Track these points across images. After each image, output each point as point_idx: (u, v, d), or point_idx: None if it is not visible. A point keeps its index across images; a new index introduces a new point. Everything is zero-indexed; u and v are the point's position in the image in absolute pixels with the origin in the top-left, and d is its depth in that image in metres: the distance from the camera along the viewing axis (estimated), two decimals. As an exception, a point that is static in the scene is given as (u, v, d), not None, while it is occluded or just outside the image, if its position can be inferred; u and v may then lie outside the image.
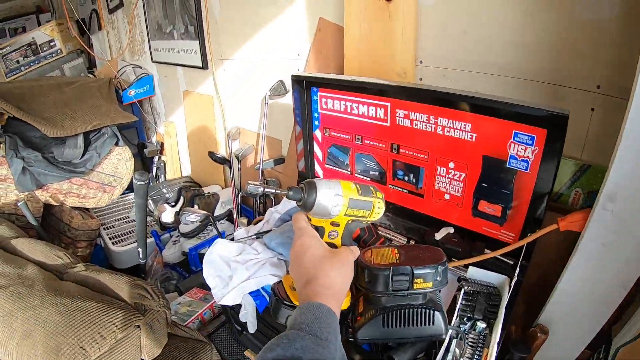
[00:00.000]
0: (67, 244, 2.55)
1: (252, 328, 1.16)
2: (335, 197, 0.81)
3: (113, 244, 2.69)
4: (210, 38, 2.47)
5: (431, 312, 0.92)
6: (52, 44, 3.99)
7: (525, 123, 1.04)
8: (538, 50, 1.17)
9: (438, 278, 0.91)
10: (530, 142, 1.04)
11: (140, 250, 2.09)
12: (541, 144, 1.02)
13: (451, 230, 1.32)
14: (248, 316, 1.15)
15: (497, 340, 0.95)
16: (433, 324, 0.92)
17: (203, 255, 2.35)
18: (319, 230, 0.87)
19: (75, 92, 2.86)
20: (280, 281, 0.99)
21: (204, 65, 2.60)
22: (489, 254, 1.19)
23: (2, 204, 2.36)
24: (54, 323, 1.16)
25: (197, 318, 1.83)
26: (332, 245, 0.89)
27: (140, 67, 3.43)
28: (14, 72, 4.04)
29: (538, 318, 1.17)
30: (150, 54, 3.24)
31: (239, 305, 1.18)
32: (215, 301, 1.30)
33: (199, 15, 2.45)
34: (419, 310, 0.92)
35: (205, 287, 1.84)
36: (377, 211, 0.89)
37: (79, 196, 2.62)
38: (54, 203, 2.53)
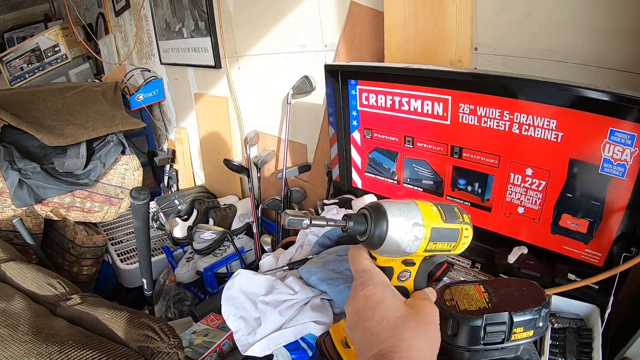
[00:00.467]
0: (71, 262, 2.39)
1: (287, 387, 0.91)
2: (414, 228, 0.57)
3: (121, 261, 2.53)
4: (224, 33, 2.29)
5: (527, 366, 0.71)
6: (56, 49, 3.88)
7: (624, 118, 0.86)
8: (619, 35, 1.00)
9: (540, 324, 0.68)
10: (629, 142, 0.87)
11: (144, 280, 1.84)
12: (643, 144, 0.85)
13: (525, 250, 1.11)
14: (282, 372, 0.89)
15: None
16: (529, 380, 0.70)
17: (220, 276, 2.17)
18: (386, 271, 0.63)
19: (77, 97, 2.69)
20: (328, 332, 0.74)
21: (217, 64, 2.43)
22: (583, 281, 0.98)
23: (-1, 221, 2.16)
24: (35, 382, 0.92)
25: (214, 350, 1.59)
26: (403, 290, 0.65)
27: (149, 71, 3.31)
28: (19, 80, 3.95)
29: (624, 351, 1.00)
30: (159, 56, 3.11)
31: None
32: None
33: (210, 9, 2.29)
34: (513, 366, 0.71)
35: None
36: (464, 241, 0.64)
37: (82, 210, 2.43)
38: (55, 218, 2.36)
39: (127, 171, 2.55)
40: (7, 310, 1.22)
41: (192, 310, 1.82)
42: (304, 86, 1.81)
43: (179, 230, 2.24)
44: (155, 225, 2.61)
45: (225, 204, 2.47)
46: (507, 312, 0.68)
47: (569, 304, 0.99)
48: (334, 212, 1.22)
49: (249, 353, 0.88)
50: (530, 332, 0.68)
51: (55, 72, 3.93)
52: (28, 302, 1.29)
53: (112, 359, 1.00)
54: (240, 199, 2.65)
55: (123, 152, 2.54)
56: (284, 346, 0.88)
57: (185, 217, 2.32)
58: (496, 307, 0.69)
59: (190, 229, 2.25)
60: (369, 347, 0.55)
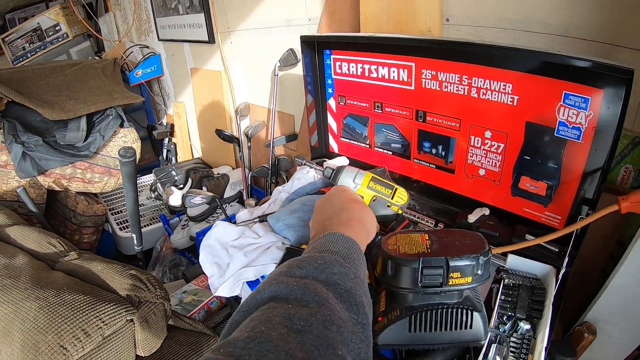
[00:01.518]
0: (72, 231, 2.49)
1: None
2: (359, 173, 0.95)
3: (121, 229, 2.61)
4: (216, 9, 2.33)
5: (469, 313, 0.76)
6: (57, 28, 3.89)
7: (577, 82, 0.87)
8: (590, 5, 1.01)
9: (479, 271, 0.74)
10: (583, 105, 0.88)
11: (134, 236, 1.93)
12: (597, 107, 0.86)
13: (486, 211, 1.15)
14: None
15: (545, 345, 0.80)
16: (471, 327, 0.76)
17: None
18: None
19: (77, 73, 2.76)
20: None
21: (211, 39, 2.47)
22: (534, 240, 1.01)
23: (4, 192, 2.28)
24: (33, 319, 1.03)
25: (202, 308, 1.71)
26: None
27: (148, 47, 3.33)
28: (21, 59, 3.97)
29: (584, 316, 1.04)
30: (157, 33, 3.13)
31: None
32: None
33: (203, -15, 2.31)
34: (454, 311, 0.76)
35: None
36: (400, 196, 0.96)
37: (83, 181, 2.53)
38: (57, 189, 2.45)
39: (125, 143, 2.62)
40: (10, 265, 1.31)
41: (184, 272, 1.92)
42: (289, 58, 1.85)
43: (176, 198, 2.33)
44: (153, 196, 2.70)
45: (218, 174, 2.54)
46: (443, 257, 0.72)
47: (527, 264, 1.01)
48: (304, 172, 1.31)
49: (217, 294, 0.98)
50: (469, 279, 0.73)
51: (56, 50, 3.95)
52: (29, 258, 1.38)
53: (102, 303, 1.09)
54: (233, 169, 2.71)
55: (122, 125, 2.62)
56: (247, 285, 0.97)
57: (181, 186, 2.41)
58: (434, 253, 0.75)
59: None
60: (324, 214, 0.79)
